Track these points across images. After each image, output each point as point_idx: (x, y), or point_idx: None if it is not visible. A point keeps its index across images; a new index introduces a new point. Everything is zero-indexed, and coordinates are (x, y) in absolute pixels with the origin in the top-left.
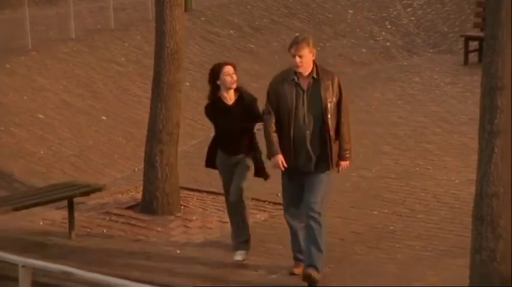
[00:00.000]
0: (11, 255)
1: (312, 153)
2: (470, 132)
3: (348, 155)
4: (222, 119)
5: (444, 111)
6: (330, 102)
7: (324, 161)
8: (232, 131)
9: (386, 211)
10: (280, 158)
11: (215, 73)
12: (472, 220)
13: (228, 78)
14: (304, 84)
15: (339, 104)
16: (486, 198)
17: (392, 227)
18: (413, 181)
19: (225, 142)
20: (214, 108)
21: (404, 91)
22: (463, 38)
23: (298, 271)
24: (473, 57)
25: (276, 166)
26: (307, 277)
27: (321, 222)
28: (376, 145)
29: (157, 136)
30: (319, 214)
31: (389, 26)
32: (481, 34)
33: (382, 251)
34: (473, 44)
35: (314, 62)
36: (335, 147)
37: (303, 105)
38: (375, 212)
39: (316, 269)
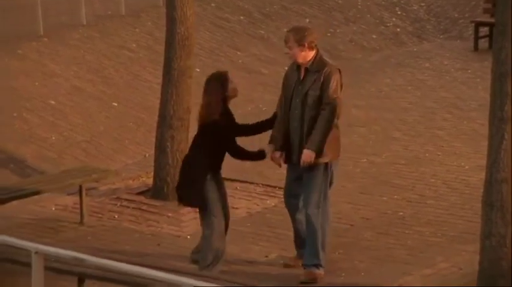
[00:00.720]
0: (24, 241)
1: (296, 145)
2: (480, 118)
3: (312, 148)
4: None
5: (454, 97)
6: (311, 95)
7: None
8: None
9: (396, 196)
10: (271, 150)
11: (224, 83)
12: (482, 206)
13: (235, 86)
14: (301, 75)
15: (321, 98)
16: (496, 184)
17: (402, 213)
18: (423, 166)
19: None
20: (229, 125)
21: (414, 77)
22: (473, 24)
23: (293, 262)
24: (483, 43)
25: (272, 159)
26: (311, 279)
27: (313, 219)
28: (386, 131)
29: (168, 122)
30: (314, 210)
31: (399, 12)
32: (491, 20)
33: (391, 237)
34: (484, 30)
35: (316, 54)
36: None
37: (296, 96)
38: (385, 198)
39: (319, 266)
